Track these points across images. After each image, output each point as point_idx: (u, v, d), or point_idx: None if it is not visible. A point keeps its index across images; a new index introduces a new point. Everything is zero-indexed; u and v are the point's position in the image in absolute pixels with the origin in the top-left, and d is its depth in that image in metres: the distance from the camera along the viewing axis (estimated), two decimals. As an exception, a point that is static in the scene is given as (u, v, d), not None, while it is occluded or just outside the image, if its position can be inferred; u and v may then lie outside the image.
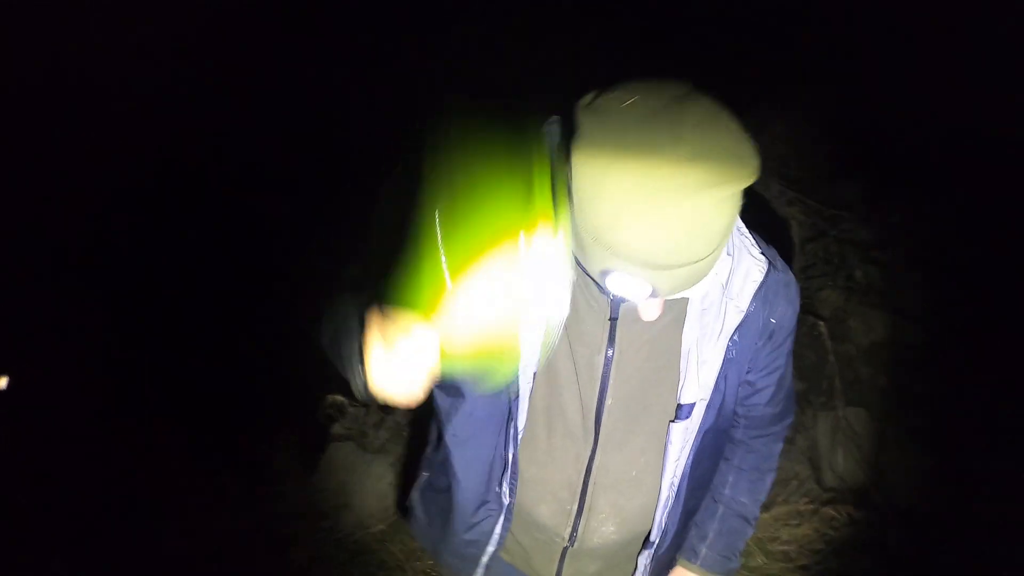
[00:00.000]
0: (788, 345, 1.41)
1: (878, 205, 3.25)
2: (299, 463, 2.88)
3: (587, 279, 1.23)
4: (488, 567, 1.55)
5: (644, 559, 1.55)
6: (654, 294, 1.04)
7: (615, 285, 1.04)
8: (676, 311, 1.28)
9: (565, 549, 1.52)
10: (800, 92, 3.46)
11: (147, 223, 3.38)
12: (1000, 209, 2.89)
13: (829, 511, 2.86)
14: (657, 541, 1.52)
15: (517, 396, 1.33)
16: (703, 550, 1.57)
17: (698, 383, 1.33)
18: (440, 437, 1.46)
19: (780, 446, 1.59)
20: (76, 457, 2.67)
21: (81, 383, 2.88)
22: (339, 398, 3.08)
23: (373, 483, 2.91)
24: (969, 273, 2.91)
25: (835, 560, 2.74)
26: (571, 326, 1.28)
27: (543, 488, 1.43)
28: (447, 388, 1.36)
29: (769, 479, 1.60)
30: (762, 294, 1.29)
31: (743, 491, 1.57)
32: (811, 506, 2.90)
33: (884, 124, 3.16)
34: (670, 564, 1.62)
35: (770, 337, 1.35)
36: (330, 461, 2.92)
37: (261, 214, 3.43)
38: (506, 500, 1.43)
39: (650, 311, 1.18)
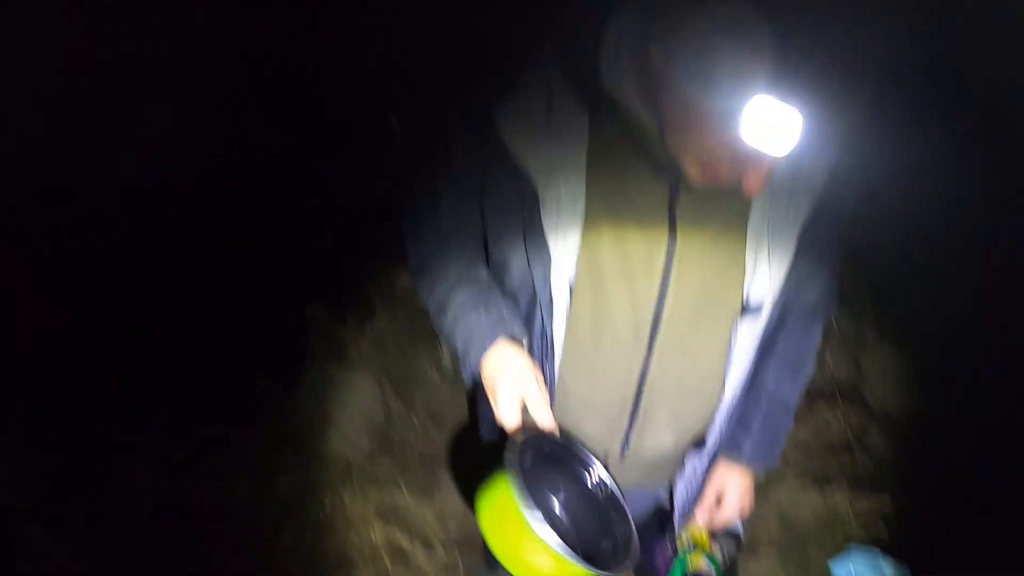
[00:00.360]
0: (845, 230, 1.32)
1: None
2: (279, 385, 2.74)
3: (637, 163, 1.15)
4: None
5: (694, 462, 1.52)
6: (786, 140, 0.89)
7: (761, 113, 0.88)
8: (740, 198, 1.15)
9: (608, 458, 1.46)
10: None
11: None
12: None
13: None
14: (711, 444, 1.47)
15: (551, 311, 1.25)
16: (747, 444, 1.50)
17: (768, 276, 1.24)
18: None
19: (820, 334, 1.51)
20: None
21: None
22: (317, 310, 2.94)
23: (358, 399, 2.81)
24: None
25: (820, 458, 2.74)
26: (621, 218, 1.18)
27: (590, 405, 1.37)
28: None
29: (810, 368, 1.51)
30: (835, 177, 1.18)
31: (786, 381, 1.48)
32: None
33: None
34: (712, 460, 1.55)
35: (833, 222, 1.25)
36: (311, 380, 2.80)
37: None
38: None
39: (757, 179, 1.02)
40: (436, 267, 1.35)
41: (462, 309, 1.28)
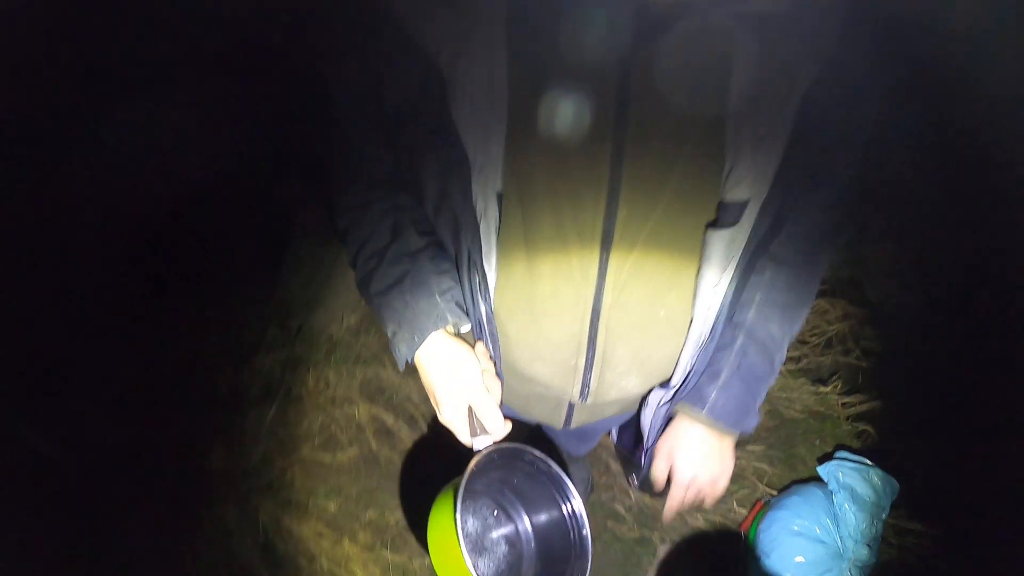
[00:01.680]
0: (871, 128, 1.02)
1: None
2: (260, 263, 2.64)
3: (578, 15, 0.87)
4: None
5: (655, 401, 1.29)
6: None
7: None
8: (720, 47, 0.89)
9: (572, 404, 1.33)
10: None
11: None
12: None
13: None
14: (677, 387, 1.24)
15: (476, 235, 1.03)
16: (713, 394, 1.20)
17: (753, 167, 0.96)
18: None
19: (825, 268, 1.25)
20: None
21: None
22: (298, 185, 2.78)
23: (344, 275, 2.71)
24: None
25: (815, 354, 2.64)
26: (554, 102, 0.93)
27: (535, 348, 1.18)
28: None
29: (806, 309, 1.23)
30: (857, 33, 0.88)
31: (773, 318, 1.19)
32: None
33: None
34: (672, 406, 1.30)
35: (848, 97, 0.95)
36: (298, 257, 2.69)
37: None
38: (490, 355, 1.18)
39: None
40: (357, 223, 1.17)
41: (388, 292, 1.12)
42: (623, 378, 1.22)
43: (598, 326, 1.11)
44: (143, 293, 2.43)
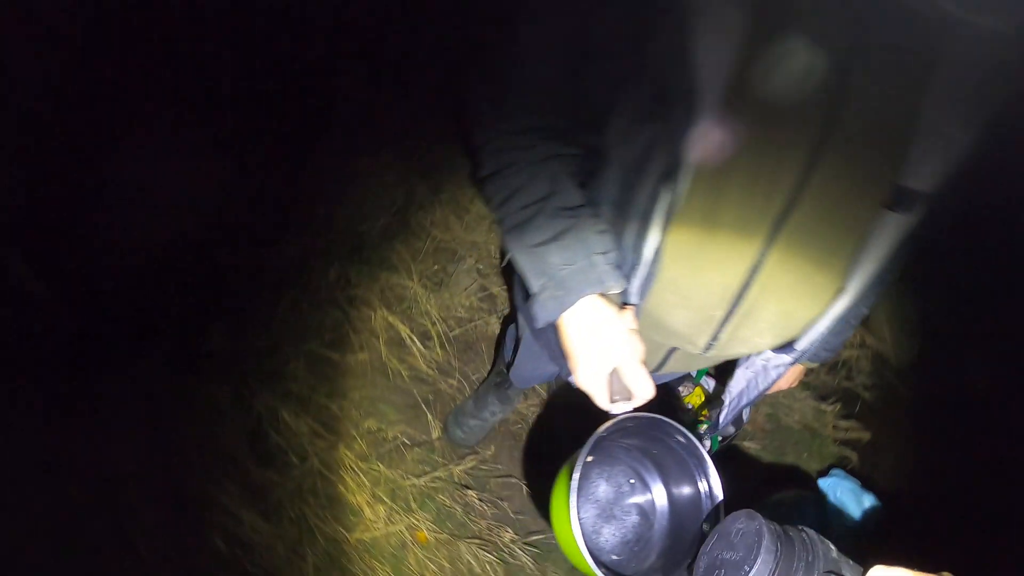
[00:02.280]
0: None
1: None
2: (283, 153, 2.44)
3: None
4: None
5: (769, 364, 1.38)
6: None
7: None
8: (932, 46, 0.93)
9: (671, 351, 1.34)
10: None
11: None
12: None
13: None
14: (800, 351, 1.29)
15: (672, 175, 1.01)
16: (814, 350, 1.33)
17: (938, 166, 1.00)
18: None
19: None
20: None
21: None
22: (351, 79, 2.56)
23: (382, 173, 2.56)
24: None
25: (822, 373, 2.73)
26: (783, 60, 0.93)
27: (686, 294, 1.16)
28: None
29: (889, 284, 1.33)
30: None
31: (873, 291, 1.27)
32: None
33: None
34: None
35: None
36: (332, 146, 2.52)
37: None
38: (633, 301, 1.17)
39: None
40: (511, 168, 1.11)
41: (545, 246, 1.08)
42: (758, 335, 1.23)
43: (753, 280, 1.11)
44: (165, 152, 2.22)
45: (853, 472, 2.42)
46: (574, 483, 0.98)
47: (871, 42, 0.93)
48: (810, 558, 0.78)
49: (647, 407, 1.09)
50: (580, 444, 1.03)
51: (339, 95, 2.60)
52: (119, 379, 2.21)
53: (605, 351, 1.07)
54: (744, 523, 0.87)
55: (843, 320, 1.23)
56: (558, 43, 1.04)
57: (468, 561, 2.21)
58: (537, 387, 2.50)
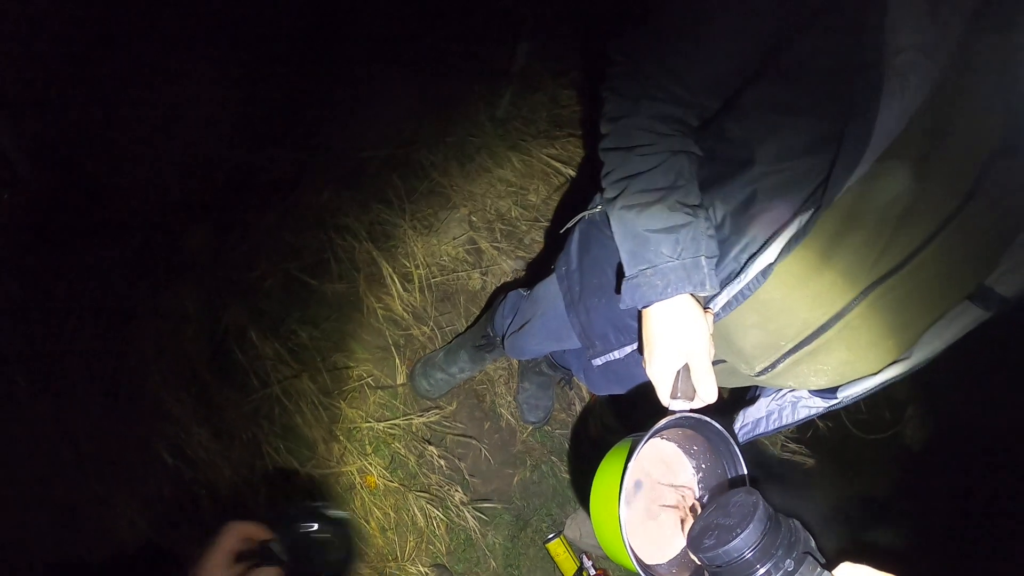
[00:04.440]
0: None
1: None
2: (291, 63, 2.29)
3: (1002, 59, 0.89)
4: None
5: (806, 403, 1.38)
6: None
7: None
8: None
9: (720, 362, 1.35)
10: None
11: None
12: None
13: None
14: (839, 400, 1.30)
15: (816, 196, 1.02)
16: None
17: (1021, 279, 1.07)
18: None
19: None
20: None
21: None
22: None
23: (389, 102, 2.43)
24: None
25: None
26: (948, 133, 0.94)
27: (771, 315, 1.16)
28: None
29: None
30: None
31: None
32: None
33: None
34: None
35: None
36: (339, 62, 2.37)
37: None
38: (714, 310, 1.17)
39: None
40: (644, 149, 1.11)
41: (658, 234, 1.09)
42: (814, 375, 1.24)
43: (832, 325, 1.13)
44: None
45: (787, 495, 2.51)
46: (632, 463, 1.01)
47: (1011, 154, 0.94)
48: (792, 540, 0.83)
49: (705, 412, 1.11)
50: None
51: (365, 12, 2.45)
52: (85, 264, 2.07)
53: (682, 348, 1.09)
54: (743, 497, 0.92)
55: (885, 384, 1.25)
56: (749, 46, 1.03)
57: (413, 513, 2.20)
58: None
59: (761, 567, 0.82)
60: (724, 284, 1.14)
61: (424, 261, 2.44)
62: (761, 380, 1.29)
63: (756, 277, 1.11)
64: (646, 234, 1.09)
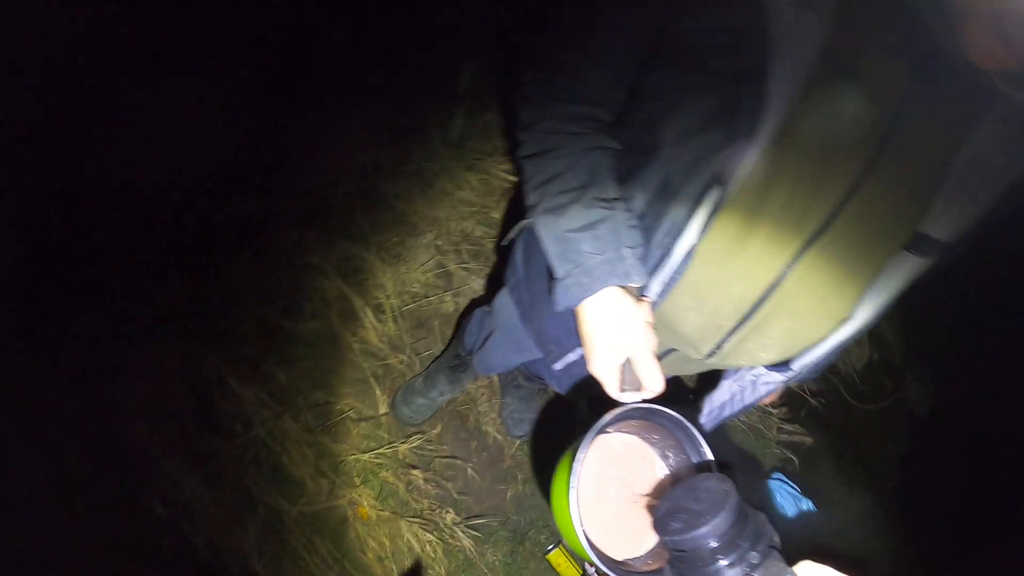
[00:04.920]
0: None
1: None
2: (253, 105, 2.35)
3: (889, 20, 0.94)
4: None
5: (761, 378, 1.38)
6: None
7: None
8: (974, 108, 0.98)
9: (671, 352, 1.35)
10: None
11: None
12: None
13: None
14: (795, 372, 1.31)
15: (720, 181, 1.03)
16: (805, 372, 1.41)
17: (956, 219, 1.05)
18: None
19: None
20: None
21: None
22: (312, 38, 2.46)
23: (349, 138, 2.49)
24: None
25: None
26: (844, 93, 0.96)
27: (704, 296, 1.17)
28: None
29: None
30: None
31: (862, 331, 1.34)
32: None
33: None
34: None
35: None
36: (295, 106, 2.44)
37: None
38: (651, 299, 1.18)
39: None
40: (556, 151, 1.13)
41: (578, 233, 1.11)
42: (762, 350, 1.25)
43: (770, 296, 1.13)
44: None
45: (794, 476, 2.48)
46: (576, 468, 1.01)
47: (924, 95, 0.96)
48: (759, 533, 0.82)
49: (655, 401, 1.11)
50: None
51: (315, 53, 2.52)
52: (66, 328, 2.15)
53: (621, 341, 1.11)
54: (715, 483, 0.90)
55: (839, 348, 1.25)
56: (636, 35, 1.06)
57: (408, 540, 2.22)
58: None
59: (725, 558, 0.80)
60: (654, 271, 1.15)
61: (395, 290, 2.48)
62: (712, 363, 1.30)
63: (683, 259, 1.12)
64: (567, 235, 1.11)
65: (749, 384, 1.43)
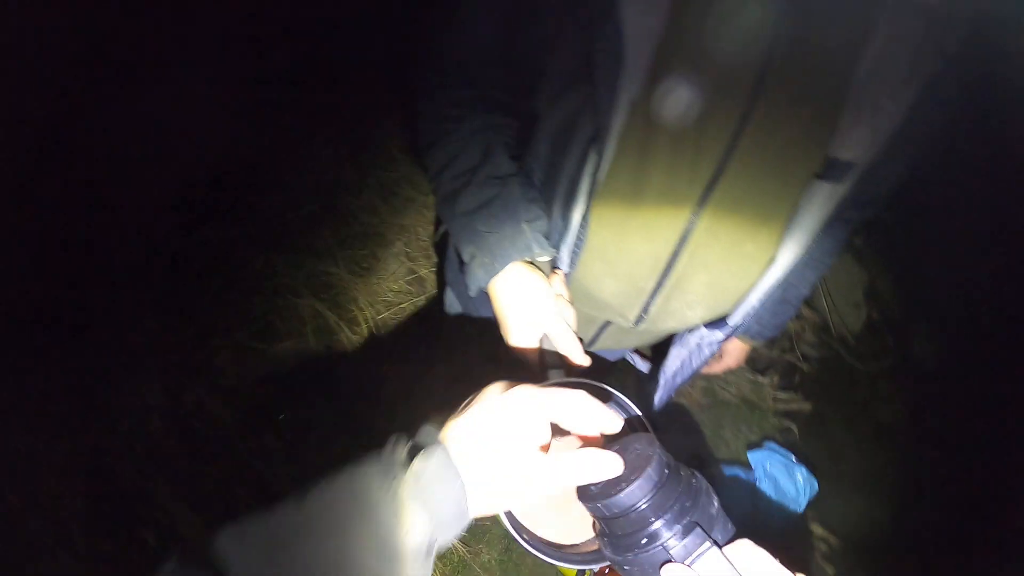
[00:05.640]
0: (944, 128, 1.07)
1: None
2: (207, 138, 2.42)
3: None
4: None
5: (703, 338, 1.33)
6: None
7: None
8: (861, 18, 0.92)
9: (604, 326, 1.33)
10: None
11: None
12: None
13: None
14: (733, 326, 1.28)
15: (599, 140, 1.00)
16: (754, 328, 1.46)
17: (866, 136, 0.99)
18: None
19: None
20: None
21: None
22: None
23: (308, 155, 2.53)
24: None
25: (760, 347, 2.63)
26: (713, 24, 0.92)
27: (614, 260, 1.14)
28: None
29: (827, 266, 1.39)
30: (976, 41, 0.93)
31: (810, 281, 1.37)
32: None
33: None
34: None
35: (949, 107, 1.01)
36: (250, 133, 2.47)
37: None
38: (563, 269, 1.16)
39: None
40: (446, 138, 1.13)
41: (474, 214, 1.10)
42: (688, 308, 1.22)
43: (682, 250, 1.10)
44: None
45: (794, 444, 2.38)
46: None
47: (805, 8, 0.91)
48: (688, 503, 0.71)
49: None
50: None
51: (268, 78, 2.58)
52: (48, 375, 2.24)
53: (533, 317, 1.07)
54: (642, 447, 0.79)
55: (779, 297, 1.25)
56: (496, 8, 1.05)
57: (395, 546, 2.21)
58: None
59: (648, 526, 0.70)
60: (559, 242, 1.14)
61: (368, 302, 2.50)
62: (644, 329, 1.27)
63: (580, 224, 1.10)
64: (464, 217, 1.11)
65: (695, 347, 1.38)
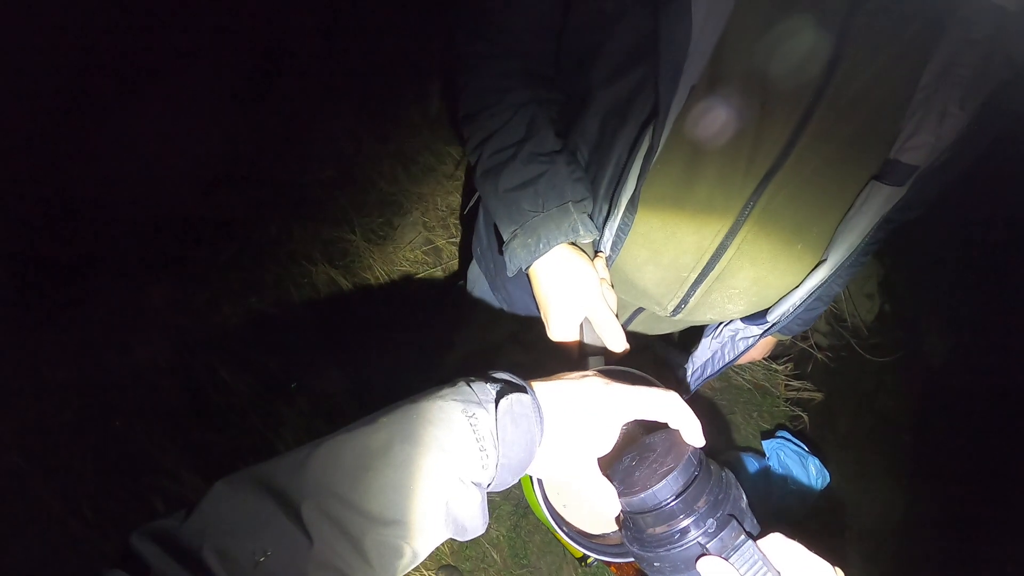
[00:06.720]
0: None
1: None
2: (236, 99, 2.35)
3: None
4: None
5: (738, 332, 1.33)
6: None
7: None
8: (933, 21, 0.90)
9: (637, 312, 1.30)
10: None
11: None
12: None
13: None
14: (771, 323, 1.25)
15: (656, 122, 0.96)
16: (787, 324, 1.36)
17: (930, 141, 0.96)
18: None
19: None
20: None
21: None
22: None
23: (327, 122, 2.47)
24: None
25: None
26: (784, 16, 0.90)
27: (660, 247, 1.10)
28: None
29: (863, 265, 1.37)
30: None
31: (842, 278, 1.32)
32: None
33: None
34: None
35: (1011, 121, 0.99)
36: (271, 97, 2.41)
37: None
38: (604, 253, 1.12)
39: None
40: (489, 110, 1.09)
41: (518, 191, 1.05)
42: (729, 302, 1.19)
43: (729, 244, 1.07)
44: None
45: (804, 433, 2.40)
46: None
47: (872, 10, 0.88)
48: (720, 496, 0.71)
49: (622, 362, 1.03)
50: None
51: (288, 44, 2.50)
52: (58, 339, 2.20)
53: (576, 301, 1.04)
54: (675, 439, 0.80)
55: (817, 295, 1.19)
56: None
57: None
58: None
59: (677, 523, 0.70)
60: (603, 224, 1.10)
61: (384, 270, 2.46)
62: (681, 319, 1.24)
63: (627, 208, 1.06)
64: (507, 195, 1.06)
65: (729, 340, 1.37)
